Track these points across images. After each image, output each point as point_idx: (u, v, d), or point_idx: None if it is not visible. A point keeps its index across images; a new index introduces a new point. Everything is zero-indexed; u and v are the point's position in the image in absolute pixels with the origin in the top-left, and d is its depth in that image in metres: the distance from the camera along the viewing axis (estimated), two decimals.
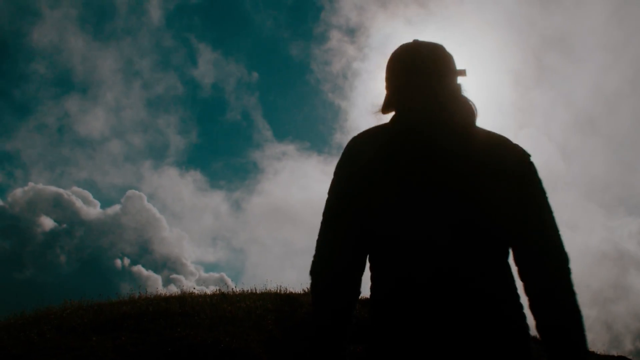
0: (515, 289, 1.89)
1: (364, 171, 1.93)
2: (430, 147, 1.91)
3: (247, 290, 14.25)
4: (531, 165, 1.98)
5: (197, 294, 13.98)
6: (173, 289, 14.89)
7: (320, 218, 2.00)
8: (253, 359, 8.85)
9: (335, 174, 2.04)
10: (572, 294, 1.83)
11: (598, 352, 13.58)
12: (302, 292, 14.50)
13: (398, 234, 1.84)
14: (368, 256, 1.97)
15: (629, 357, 13.41)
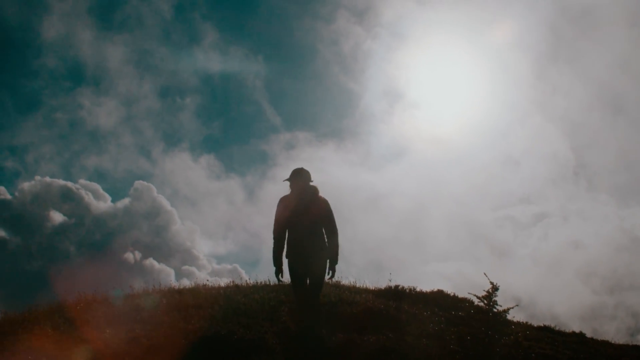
0: (324, 239, 8.62)
1: (286, 209, 8.59)
2: (302, 202, 8.57)
3: (261, 282, 14.22)
4: (328, 203, 8.66)
5: (211, 286, 13.98)
6: (186, 282, 14.87)
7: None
8: (267, 350, 8.82)
9: (277, 209, 8.69)
10: (336, 239, 8.61)
11: (613, 342, 13.49)
12: None
13: (294, 226, 8.61)
14: (286, 233, 8.69)
15: None
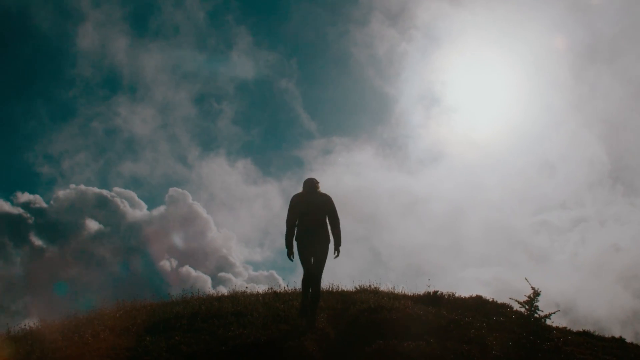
0: (327, 228, 10.75)
1: (297, 204, 10.75)
2: (310, 199, 10.79)
3: (299, 289, 14.17)
4: (331, 199, 10.85)
5: (249, 293, 14.05)
6: (222, 290, 14.88)
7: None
8: (307, 357, 8.78)
9: (290, 204, 10.81)
10: (338, 227, 10.73)
11: None
12: (354, 289, 14.41)
13: (303, 218, 10.71)
14: (297, 222, 10.74)
15: None
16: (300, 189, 11.05)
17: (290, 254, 10.67)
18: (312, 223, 10.75)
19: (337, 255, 10.74)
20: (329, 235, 10.81)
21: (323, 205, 10.85)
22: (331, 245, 10.78)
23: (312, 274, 10.68)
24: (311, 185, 11.03)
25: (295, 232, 10.81)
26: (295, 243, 10.78)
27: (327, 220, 10.87)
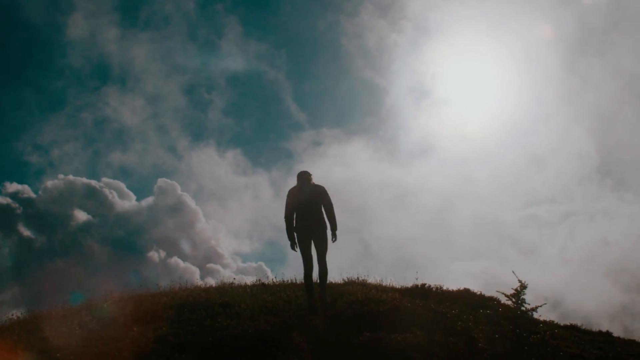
0: (323, 215, 11.27)
1: (292, 197, 11.33)
2: (304, 190, 11.32)
3: (287, 281, 14.29)
4: (325, 189, 11.40)
5: (237, 284, 14.03)
6: (211, 281, 14.90)
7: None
8: (294, 348, 8.79)
9: (287, 197, 11.40)
10: (332, 213, 11.27)
11: None
12: (342, 282, 14.42)
13: (299, 209, 11.25)
14: (294, 214, 11.32)
15: None
16: (290, 181, 11.53)
17: (293, 245, 11.36)
18: (309, 213, 11.26)
19: (335, 239, 11.35)
20: (325, 222, 11.35)
21: (317, 195, 11.38)
22: (329, 231, 11.31)
23: (312, 267, 11.26)
24: (304, 177, 11.59)
25: (294, 223, 11.38)
26: (295, 234, 11.35)
27: (323, 209, 11.39)
